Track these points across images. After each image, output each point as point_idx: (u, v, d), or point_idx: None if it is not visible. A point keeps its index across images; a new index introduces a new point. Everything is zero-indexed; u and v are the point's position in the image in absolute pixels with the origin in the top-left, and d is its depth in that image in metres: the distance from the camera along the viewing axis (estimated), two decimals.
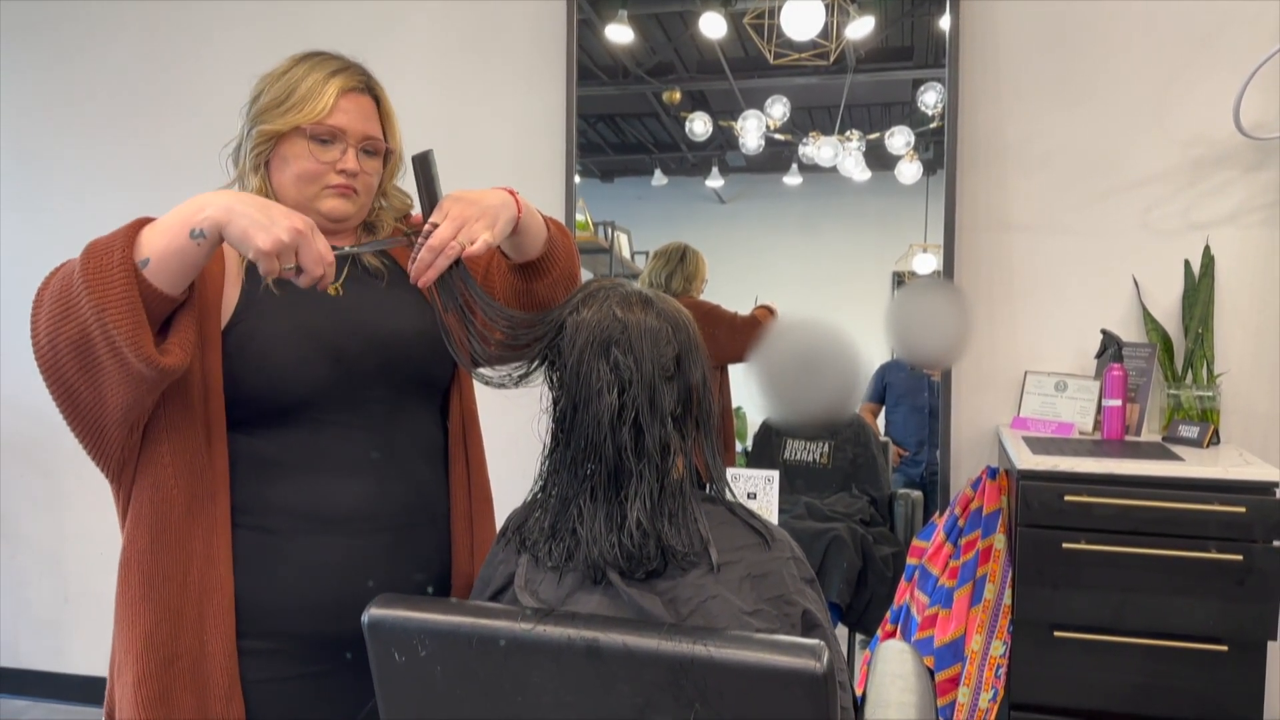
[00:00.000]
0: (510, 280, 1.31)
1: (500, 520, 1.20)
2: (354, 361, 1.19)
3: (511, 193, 1.19)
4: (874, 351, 2.50)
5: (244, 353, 1.14)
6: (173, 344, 1.03)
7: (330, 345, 1.18)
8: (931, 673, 1.96)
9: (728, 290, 2.49)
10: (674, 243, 2.51)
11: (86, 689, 2.92)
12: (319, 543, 1.16)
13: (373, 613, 0.96)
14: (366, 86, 1.24)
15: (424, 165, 1.12)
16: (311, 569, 1.16)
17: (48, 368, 1.02)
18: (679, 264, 2.49)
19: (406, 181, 1.25)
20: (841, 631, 2.29)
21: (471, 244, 1.09)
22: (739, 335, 2.39)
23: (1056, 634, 1.86)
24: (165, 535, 1.12)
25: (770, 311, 2.45)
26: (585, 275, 2.72)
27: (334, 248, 1.08)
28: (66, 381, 1.02)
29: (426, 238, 1.08)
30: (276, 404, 1.16)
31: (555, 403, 1.07)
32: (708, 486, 1.11)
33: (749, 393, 2.45)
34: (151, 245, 0.99)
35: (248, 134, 1.22)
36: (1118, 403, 2.10)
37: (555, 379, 1.07)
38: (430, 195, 1.12)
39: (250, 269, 1.19)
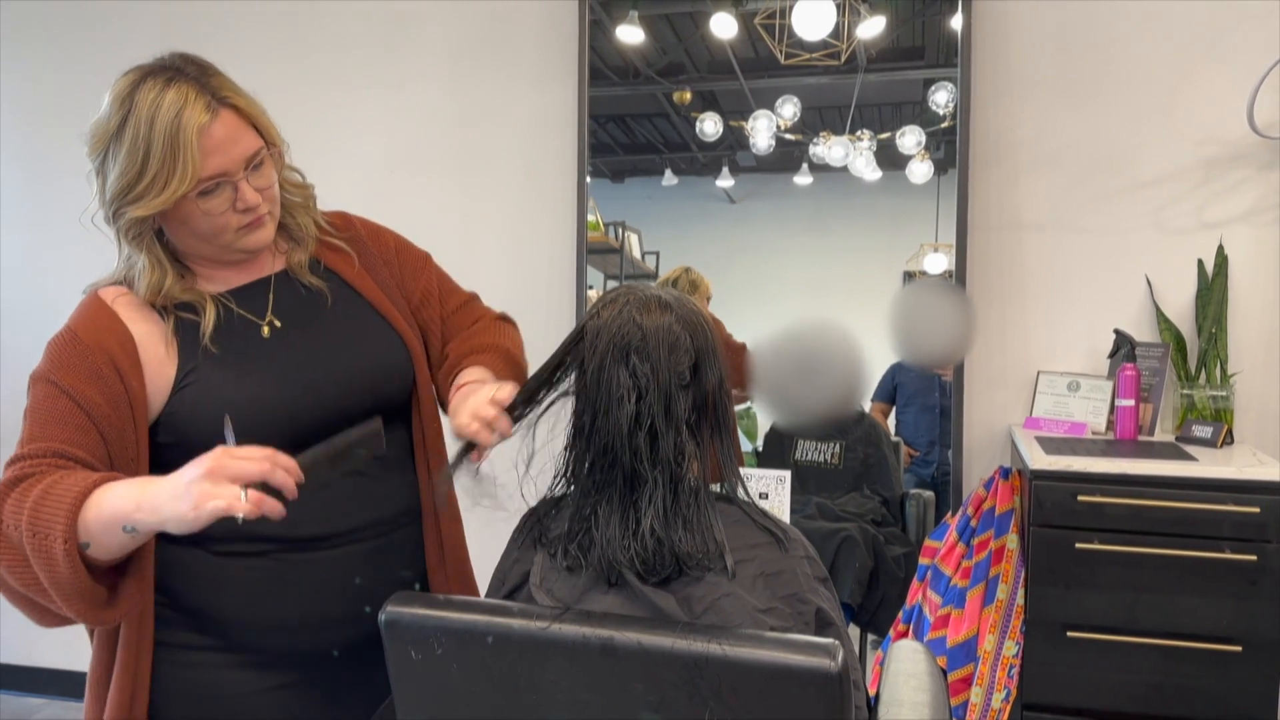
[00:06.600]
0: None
1: (466, 514, 1.21)
2: (309, 421, 1.13)
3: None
4: (884, 351, 2.49)
5: (191, 427, 1.09)
6: (123, 598, 1.03)
7: (282, 415, 1.12)
8: (944, 673, 1.96)
9: (738, 291, 2.48)
10: (677, 270, 2.52)
11: None
12: (300, 560, 1.15)
13: (390, 610, 0.96)
14: (216, 104, 1.06)
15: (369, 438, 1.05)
16: (294, 586, 1.15)
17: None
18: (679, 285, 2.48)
19: (307, 166, 1.24)
20: (853, 632, 2.29)
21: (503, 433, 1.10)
22: (731, 356, 2.38)
23: (1069, 634, 1.86)
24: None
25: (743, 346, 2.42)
26: (594, 276, 2.71)
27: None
28: (16, 596, 1.01)
29: (466, 451, 1.10)
30: None
31: (576, 406, 1.07)
32: (722, 485, 1.11)
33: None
34: (89, 531, 0.95)
35: (111, 218, 1.07)
36: (1131, 403, 2.09)
37: (576, 384, 1.08)
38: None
39: (182, 345, 1.12)
